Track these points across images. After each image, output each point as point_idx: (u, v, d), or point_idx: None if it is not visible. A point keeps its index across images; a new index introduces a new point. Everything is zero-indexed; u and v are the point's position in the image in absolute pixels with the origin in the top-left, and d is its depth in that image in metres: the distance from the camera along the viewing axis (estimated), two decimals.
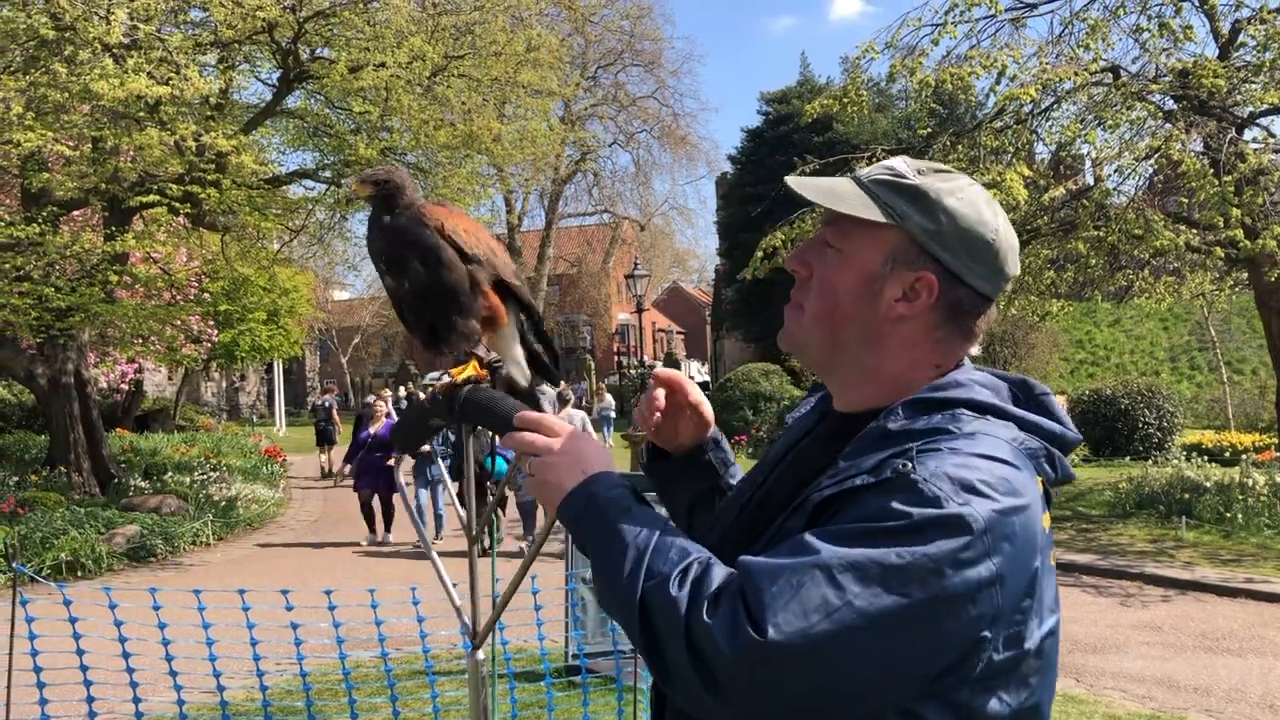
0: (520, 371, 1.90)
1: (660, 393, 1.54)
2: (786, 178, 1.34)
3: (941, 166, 1.30)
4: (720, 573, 1.14)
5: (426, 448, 9.51)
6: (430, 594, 4.92)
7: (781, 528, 1.20)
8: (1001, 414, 1.24)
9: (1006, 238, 1.29)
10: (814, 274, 1.31)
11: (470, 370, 1.72)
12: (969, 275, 1.26)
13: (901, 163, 1.29)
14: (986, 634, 1.10)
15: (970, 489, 1.10)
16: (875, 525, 1.09)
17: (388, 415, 12.40)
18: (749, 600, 1.08)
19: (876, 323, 1.27)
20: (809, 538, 1.11)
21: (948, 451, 1.14)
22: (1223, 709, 5.98)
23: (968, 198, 1.27)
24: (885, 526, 1.08)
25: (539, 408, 1.90)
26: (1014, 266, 1.30)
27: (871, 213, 1.25)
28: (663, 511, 1.41)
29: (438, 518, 11.95)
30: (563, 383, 29.70)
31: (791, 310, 1.34)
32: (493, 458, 9.28)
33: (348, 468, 13.38)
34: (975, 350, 1.33)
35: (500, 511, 12.78)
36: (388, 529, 12.10)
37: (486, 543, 5.45)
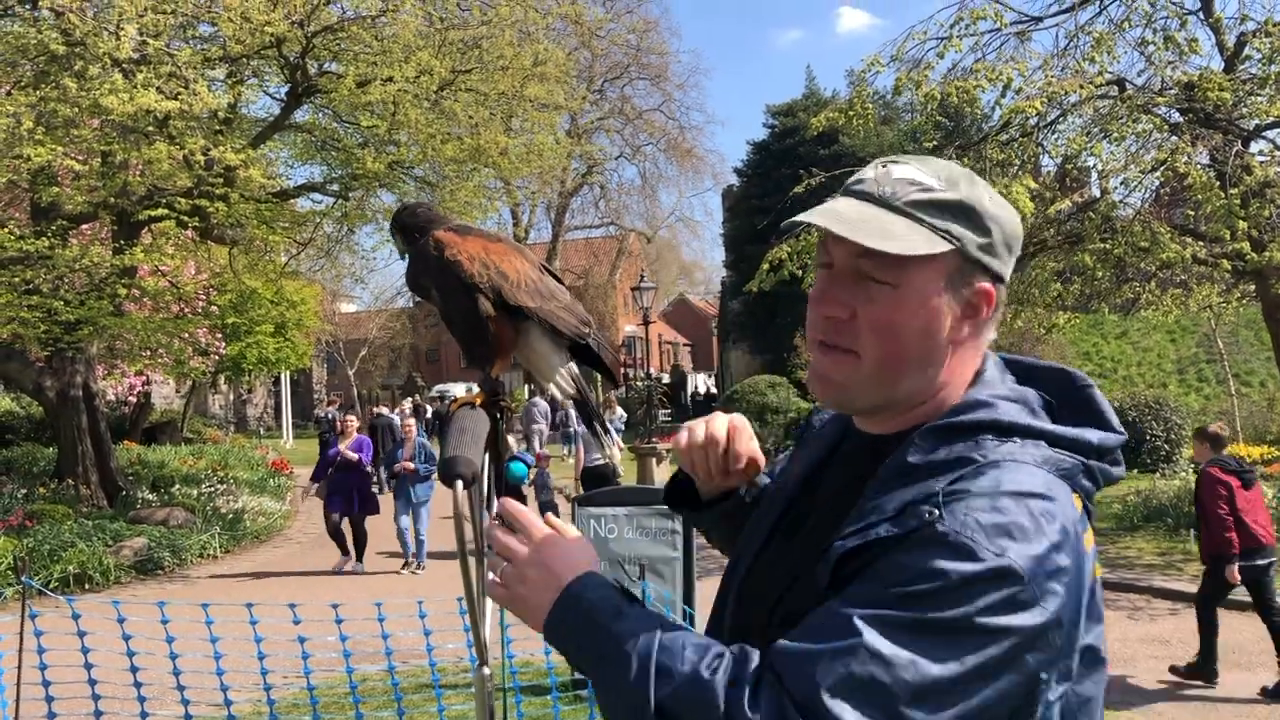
0: (563, 387, 1.92)
1: (722, 438, 1.43)
2: (814, 219, 1.17)
3: (952, 167, 1.21)
4: (751, 663, 1.05)
5: (410, 464, 9.33)
6: (437, 607, 4.92)
7: (811, 585, 1.13)
8: (1029, 433, 1.15)
9: (1015, 220, 1.23)
10: (858, 315, 1.17)
11: (470, 395, 1.77)
12: (1006, 270, 1.20)
13: (917, 172, 1.19)
14: (1043, 675, 1.05)
15: (1005, 534, 1.02)
16: (912, 590, 1.01)
17: (359, 431, 11.75)
18: (792, 690, 1.00)
19: (939, 351, 1.18)
20: (849, 615, 1.02)
21: (975, 495, 1.06)
22: None
23: (996, 197, 1.20)
24: (923, 590, 1.01)
25: (592, 415, 1.94)
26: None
27: (935, 245, 1.14)
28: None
29: (419, 543, 11.16)
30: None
31: (836, 359, 1.20)
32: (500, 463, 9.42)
33: (314, 487, 12.42)
34: (993, 334, 1.25)
35: None
36: (359, 556, 11.30)
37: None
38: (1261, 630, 6.77)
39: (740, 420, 1.45)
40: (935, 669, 0.99)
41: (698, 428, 1.45)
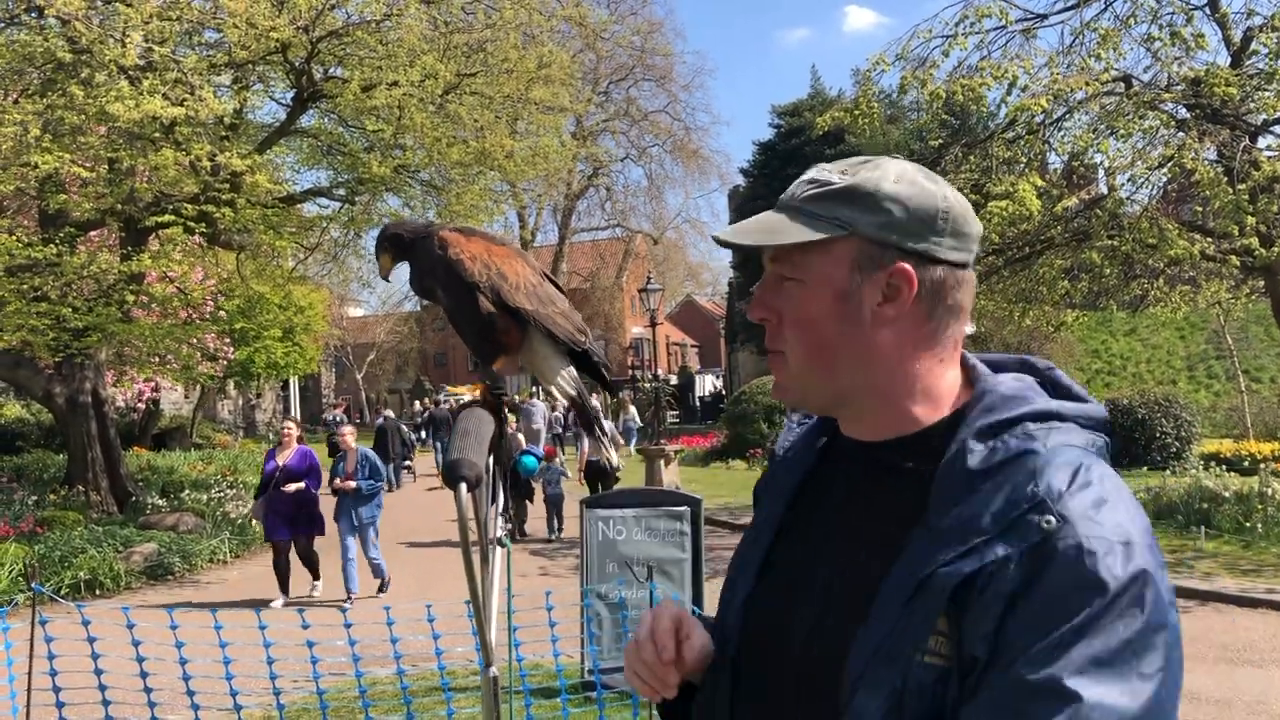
0: (563, 389, 1.95)
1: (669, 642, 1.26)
2: (714, 234, 1.24)
3: (864, 158, 1.22)
4: None
5: (353, 484, 8.45)
6: (445, 610, 4.92)
7: (909, 616, 1.06)
8: (1061, 416, 1.15)
9: (957, 199, 1.19)
10: (782, 318, 1.21)
11: (470, 394, 1.78)
12: (939, 251, 1.17)
13: (820, 171, 1.21)
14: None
15: (1119, 528, 1.02)
16: (1083, 618, 0.98)
17: (300, 441, 10.05)
18: None
19: (867, 338, 1.17)
20: (1048, 677, 0.97)
21: (1072, 491, 1.04)
22: None
23: (904, 177, 1.18)
24: (1092, 614, 0.98)
25: (589, 417, 1.96)
26: (977, 226, 1.21)
27: (817, 232, 1.16)
28: None
29: (375, 566, 9.92)
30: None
31: (775, 362, 1.23)
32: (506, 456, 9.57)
33: (252, 504, 10.86)
34: (970, 328, 1.23)
35: (529, 502, 13.26)
36: (316, 576, 10.02)
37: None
38: (1274, 627, 6.74)
39: (679, 614, 1.30)
40: (1146, 689, 0.97)
41: (639, 649, 1.28)
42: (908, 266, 1.16)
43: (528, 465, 11.22)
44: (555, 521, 12.98)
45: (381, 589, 9.93)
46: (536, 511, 13.46)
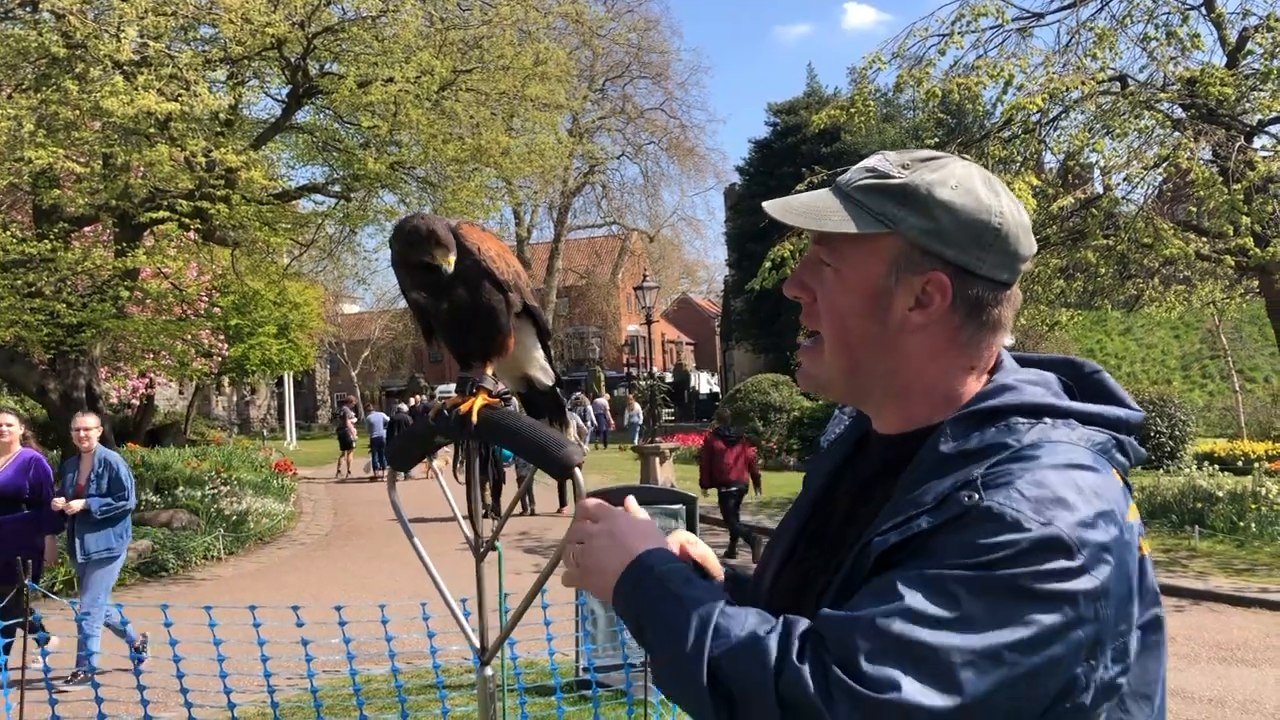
0: (544, 373, 1.98)
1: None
2: (765, 204, 1.22)
3: (930, 154, 1.20)
4: (800, 628, 1.05)
5: (79, 504, 6.55)
6: (441, 608, 4.92)
7: (845, 579, 1.11)
8: (1057, 412, 1.14)
9: (1014, 217, 1.17)
10: (817, 298, 1.21)
11: (482, 399, 1.76)
12: (981, 267, 1.15)
13: (882, 160, 1.19)
14: (1095, 650, 1.02)
15: (1051, 504, 1.01)
16: (961, 563, 1.00)
17: (26, 442, 7.08)
18: (834, 650, 1.00)
19: (892, 340, 1.17)
20: (894, 581, 1.01)
21: (1018, 472, 1.04)
22: None
23: (963, 184, 1.15)
24: (971, 562, 0.99)
25: (561, 409, 1.99)
26: (1029, 246, 1.19)
27: (861, 225, 1.15)
28: None
29: (85, 640, 6.30)
30: (579, 394, 29.80)
31: (808, 350, 1.24)
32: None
33: None
34: (1009, 340, 1.23)
35: (503, 484, 14.54)
36: (33, 631, 5.28)
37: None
38: (1267, 626, 6.76)
39: (688, 538, 1.42)
40: (984, 633, 0.97)
41: None
42: (945, 277, 1.14)
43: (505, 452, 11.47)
44: (527, 499, 14.69)
45: (137, 653, 6.39)
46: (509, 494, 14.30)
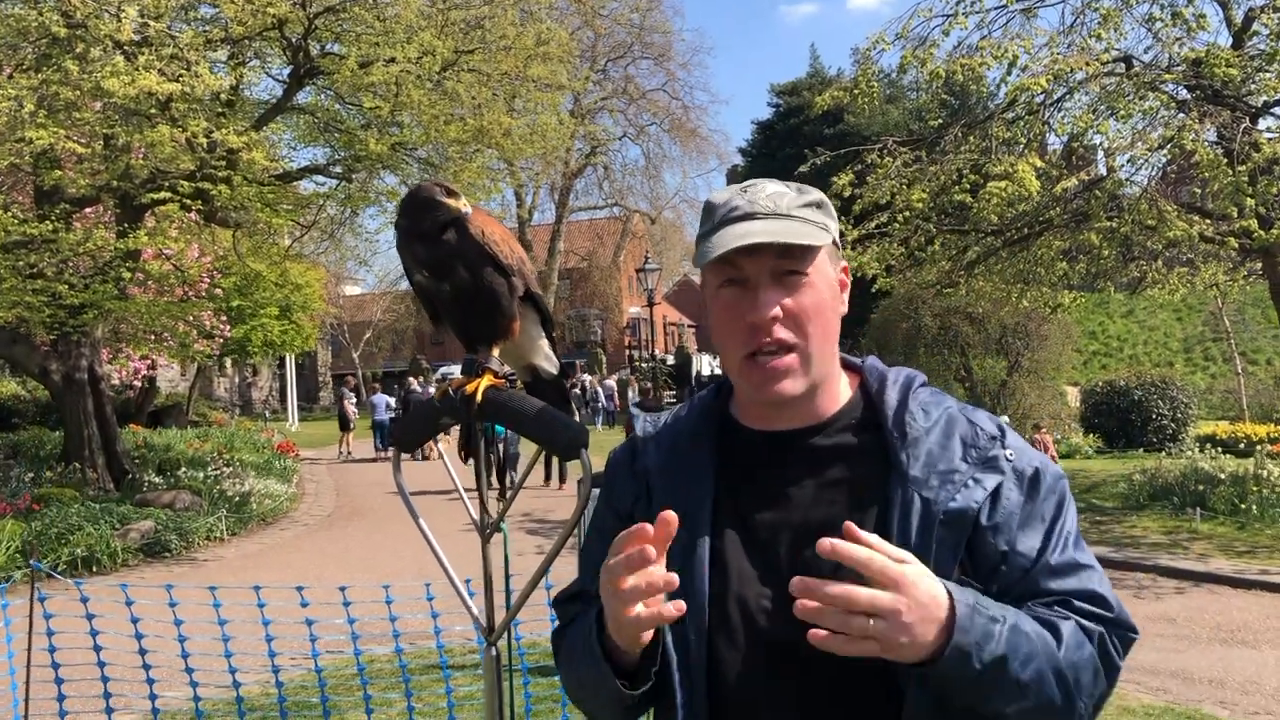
0: (549, 362, 2.00)
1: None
2: (754, 239, 1.29)
3: (762, 181, 1.40)
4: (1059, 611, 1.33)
5: None
6: (444, 588, 4.93)
7: (933, 555, 1.23)
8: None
9: None
10: (788, 310, 1.30)
11: (488, 380, 1.76)
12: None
13: (783, 186, 1.37)
14: None
15: (1026, 446, 1.37)
16: (1057, 505, 1.33)
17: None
18: (1111, 614, 1.41)
19: (838, 325, 1.38)
20: (1056, 561, 1.31)
21: (1000, 427, 1.35)
22: (1237, 701, 5.96)
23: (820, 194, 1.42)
24: (1058, 509, 1.33)
25: (567, 399, 2.00)
26: None
27: (824, 236, 1.34)
28: None
29: None
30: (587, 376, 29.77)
31: (777, 358, 1.30)
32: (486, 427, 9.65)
33: None
34: None
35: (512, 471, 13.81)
36: None
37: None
38: (1267, 608, 6.78)
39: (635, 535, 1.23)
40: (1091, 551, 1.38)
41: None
42: (845, 265, 1.41)
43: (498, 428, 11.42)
44: (512, 476, 13.75)
45: None
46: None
